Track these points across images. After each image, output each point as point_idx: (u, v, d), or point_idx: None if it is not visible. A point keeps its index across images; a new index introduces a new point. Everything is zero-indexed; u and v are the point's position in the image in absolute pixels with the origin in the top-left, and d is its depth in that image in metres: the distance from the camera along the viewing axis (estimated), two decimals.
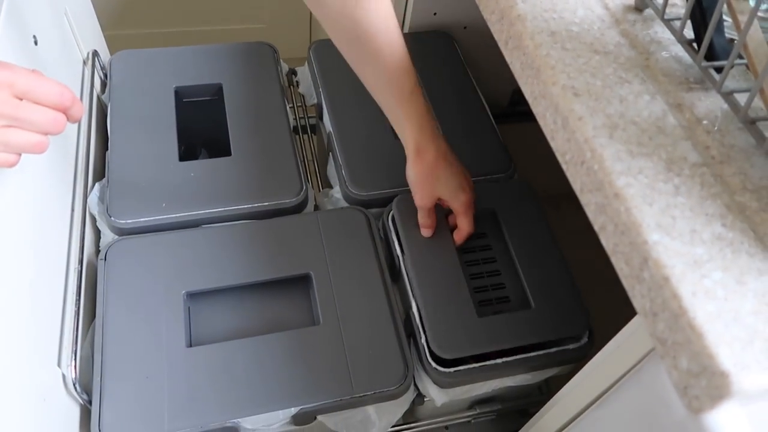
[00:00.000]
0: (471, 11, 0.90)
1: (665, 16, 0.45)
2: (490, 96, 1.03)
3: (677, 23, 0.46)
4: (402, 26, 0.90)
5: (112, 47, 1.31)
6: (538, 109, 0.45)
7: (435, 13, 0.89)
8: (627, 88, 0.43)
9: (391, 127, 0.73)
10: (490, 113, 0.78)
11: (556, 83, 0.43)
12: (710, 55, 0.43)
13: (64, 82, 0.65)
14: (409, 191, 0.68)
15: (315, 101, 0.79)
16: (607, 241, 0.38)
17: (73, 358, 0.52)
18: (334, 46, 0.83)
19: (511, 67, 0.49)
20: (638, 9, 0.49)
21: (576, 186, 0.41)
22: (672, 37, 0.47)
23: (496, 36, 0.51)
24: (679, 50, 0.46)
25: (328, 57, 0.84)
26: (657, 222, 0.36)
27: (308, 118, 0.87)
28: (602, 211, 0.38)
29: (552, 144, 0.44)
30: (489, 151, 0.75)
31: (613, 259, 0.38)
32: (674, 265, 0.34)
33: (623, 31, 0.47)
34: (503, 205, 0.67)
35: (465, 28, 0.91)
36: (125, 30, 1.35)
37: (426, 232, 0.63)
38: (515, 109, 1.10)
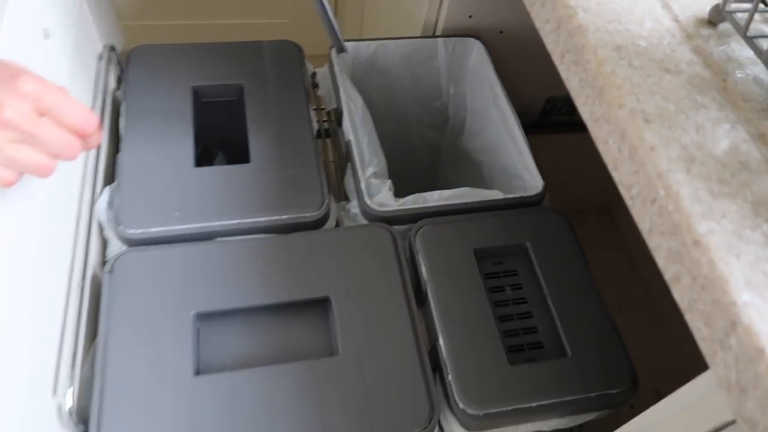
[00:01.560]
0: (508, 16, 0.84)
1: (748, 33, 0.40)
2: (522, 105, 0.98)
3: (761, 41, 0.40)
4: (435, 27, 0.85)
5: (131, 39, 1.28)
6: (598, 133, 0.40)
7: (470, 16, 0.83)
8: (703, 114, 0.38)
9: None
10: (520, 126, 0.72)
11: (623, 106, 0.37)
12: None
13: (77, 78, 0.61)
14: (435, 216, 0.63)
15: (334, 105, 0.75)
16: (680, 295, 0.33)
17: (71, 384, 0.48)
18: (358, 46, 0.79)
19: (566, 83, 0.44)
20: (712, 23, 0.44)
21: (643, 226, 0.36)
22: (750, 56, 0.41)
23: (550, 48, 0.45)
24: (760, 71, 0.41)
25: (351, 59, 0.79)
26: (746, 279, 0.30)
27: (331, 122, 0.83)
28: (677, 260, 0.33)
29: (614, 174, 0.39)
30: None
31: (688, 317, 0.33)
32: None
33: (696, 47, 0.42)
34: (536, 239, 0.62)
35: (501, 32, 0.86)
36: (144, 21, 1.31)
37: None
38: (548, 119, 1.04)
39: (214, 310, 0.55)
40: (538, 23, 0.47)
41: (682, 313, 0.33)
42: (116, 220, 0.58)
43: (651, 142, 0.35)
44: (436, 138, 0.92)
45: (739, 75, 0.40)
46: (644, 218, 0.36)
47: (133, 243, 0.58)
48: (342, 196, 0.72)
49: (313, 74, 0.79)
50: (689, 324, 0.33)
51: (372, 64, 0.81)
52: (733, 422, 0.35)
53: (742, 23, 0.40)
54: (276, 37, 1.32)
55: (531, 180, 0.69)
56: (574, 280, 0.61)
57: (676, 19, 0.43)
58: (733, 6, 0.42)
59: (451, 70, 0.84)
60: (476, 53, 0.82)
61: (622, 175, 0.37)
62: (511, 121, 0.73)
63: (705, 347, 0.32)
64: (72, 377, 0.48)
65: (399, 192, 0.66)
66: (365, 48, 0.79)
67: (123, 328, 0.53)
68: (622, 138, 0.37)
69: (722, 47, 0.42)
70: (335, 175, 0.78)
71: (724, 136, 0.37)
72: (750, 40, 0.40)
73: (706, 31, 0.43)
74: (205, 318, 0.55)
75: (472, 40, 0.82)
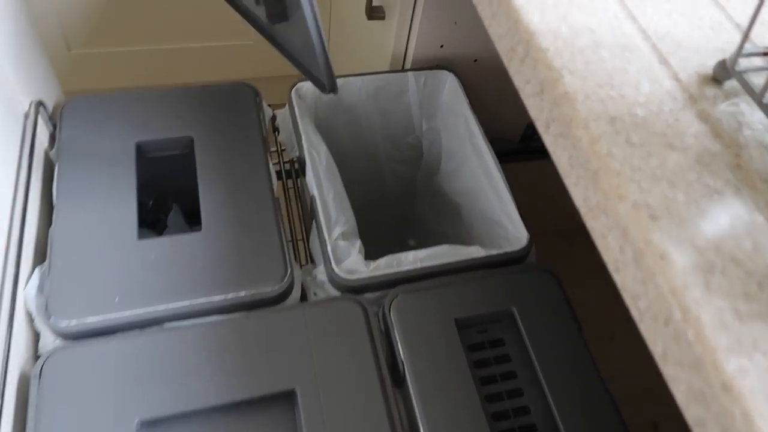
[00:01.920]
0: (482, 44, 0.78)
1: (765, 100, 0.34)
2: (501, 131, 0.92)
3: None
4: (404, 59, 0.79)
5: (82, 68, 1.19)
6: (594, 224, 0.34)
7: (441, 46, 0.77)
8: (718, 203, 0.32)
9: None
10: (499, 168, 0.66)
11: (623, 198, 0.31)
12: None
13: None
14: (410, 282, 0.57)
15: (296, 154, 0.68)
16: None
17: None
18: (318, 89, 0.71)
19: (552, 155, 0.37)
20: (717, 80, 0.38)
21: (655, 348, 0.30)
22: (764, 121, 0.36)
23: (532, 113, 0.39)
24: None
25: (313, 99, 0.73)
26: None
27: (294, 163, 0.76)
28: (701, 401, 0.27)
29: (616, 277, 0.33)
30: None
31: None
32: None
33: (702, 113, 0.36)
34: (522, 303, 0.56)
35: (475, 61, 0.80)
36: (97, 48, 1.23)
37: None
38: (528, 145, 0.99)
39: (162, 415, 0.48)
40: (518, 82, 0.41)
41: None
42: (46, 310, 0.51)
43: (660, 247, 0.29)
44: (409, 172, 0.86)
45: (757, 147, 0.35)
46: (656, 340, 0.30)
47: (67, 336, 0.51)
48: (308, 256, 0.65)
49: (273, 117, 0.72)
50: None
51: (337, 102, 0.74)
52: None
53: (755, 83, 0.35)
54: (238, 59, 1.24)
55: (514, 230, 0.63)
56: (567, 349, 0.55)
57: (676, 77, 0.37)
58: (743, 63, 0.36)
59: (423, 105, 0.78)
60: (449, 86, 0.75)
61: (626, 280, 0.31)
62: (489, 163, 0.67)
63: None
64: None
65: (375, 232, 0.59)
66: None
67: None
68: (625, 237, 0.31)
69: (731, 109, 0.36)
70: (301, 228, 0.72)
71: (746, 233, 0.31)
72: (767, 108, 0.34)
73: (711, 90, 0.37)
74: (151, 426, 0.48)
75: (445, 72, 0.75)
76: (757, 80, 0.35)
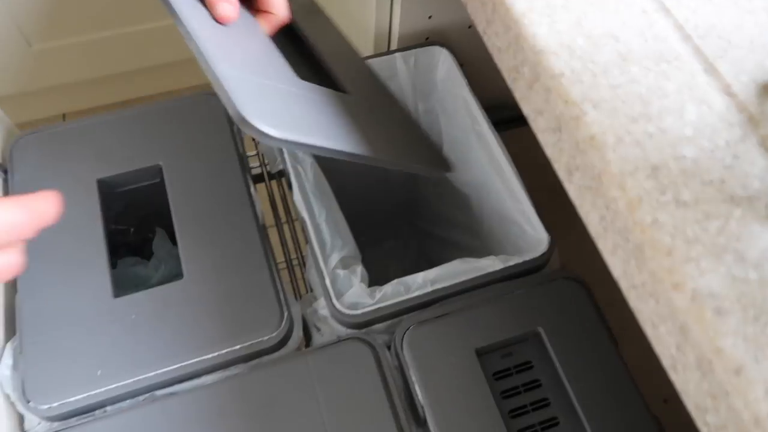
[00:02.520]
0: None
1: None
2: (502, 99, 0.83)
3: None
4: (389, 38, 0.69)
5: (42, 63, 1.10)
6: (641, 306, 0.27)
7: (430, 16, 0.67)
8: None
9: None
10: (510, 161, 0.58)
11: (680, 286, 0.24)
12: None
13: None
14: (421, 309, 0.51)
15: (280, 167, 0.61)
16: None
17: None
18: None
19: (579, 209, 0.30)
20: None
21: None
22: None
23: (548, 152, 0.32)
24: None
25: None
26: None
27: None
28: None
29: (672, 375, 0.26)
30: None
31: None
32: None
33: (766, 139, 0.28)
34: (549, 321, 0.50)
35: (470, 27, 0.70)
36: (57, 41, 1.13)
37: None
38: None
39: None
40: (527, 111, 0.33)
41: None
42: (23, 395, 0.46)
43: (734, 357, 0.23)
44: None
45: None
46: None
47: (51, 419, 0.47)
48: (306, 286, 0.60)
49: None
50: None
51: None
52: None
53: None
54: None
55: (532, 231, 0.56)
56: (602, 369, 0.49)
57: (728, 92, 0.30)
58: None
59: (417, 87, 0.69)
60: (443, 64, 0.67)
61: (688, 386, 0.25)
62: (498, 156, 0.59)
63: None
64: None
65: (379, 217, 0.52)
66: None
67: None
68: (684, 336, 0.24)
69: None
70: (293, 243, 0.65)
71: None
72: None
73: None
74: None
75: (437, 48, 0.66)
76: None
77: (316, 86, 0.45)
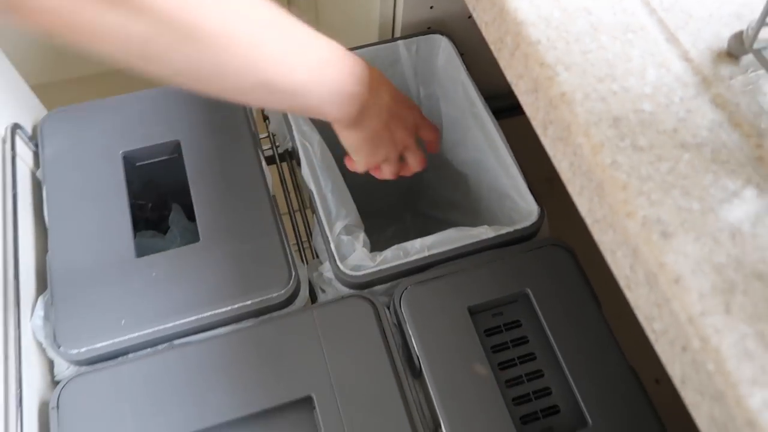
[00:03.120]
0: None
1: None
2: (504, 87, 0.88)
3: None
4: (393, 26, 0.74)
5: (65, 63, 1.15)
6: (602, 238, 0.31)
7: (431, 7, 0.72)
8: (738, 207, 0.29)
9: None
10: (504, 139, 0.63)
11: (632, 214, 0.29)
12: None
13: None
14: (419, 272, 0.55)
15: (289, 145, 0.65)
16: None
17: None
18: None
19: (553, 161, 0.35)
20: (732, 55, 0.34)
21: (673, 372, 0.28)
22: None
23: (528, 111, 0.36)
24: None
25: None
26: None
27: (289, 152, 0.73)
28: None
29: (628, 294, 0.30)
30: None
31: None
32: None
33: (717, 98, 0.32)
34: (537, 283, 0.54)
35: (469, 17, 0.74)
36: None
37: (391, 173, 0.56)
38: None
39: None
40: (510, 77, 0.37)
41: None
42: (54, 340, 0.51)
43: (675, 270, 0.27)
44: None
45: None
46: (674, 364, 0.28)
47: (79, 362, 0.51)
48: (313, 252, 0.64)
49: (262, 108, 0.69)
50: None
51: None
52: None
53: None
54: None
55: (524, 204, 0.60)
56: (585, 327, 0.53)
57: (686, 57, 0.34)
58: (762, 38, 0.32)
59: (419, 73, 0.74)
60: (443, 51, 0.71)
61: (639, 301, 0.29)
62: (493, 135, 0.64)
63: None
64: None
65: (383, 204, 0.57)
66: None
67: None
68: (635, 257, 0.29)
69: (750, 88, 0.33)
70: (301, 217, 0.70)
71: None
72: None
73: (727, 68, 0.33)
74: None
75: (438, 36, 0.71)
76: None
77: None
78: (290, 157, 0.72)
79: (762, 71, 0.33)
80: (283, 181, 0.72)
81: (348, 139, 0.51)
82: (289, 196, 0.71)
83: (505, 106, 0.70)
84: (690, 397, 0.27)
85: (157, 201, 0.74)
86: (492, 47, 0.39)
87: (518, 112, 0.74)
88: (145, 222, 0.76)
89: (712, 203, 0.29)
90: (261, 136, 0.70)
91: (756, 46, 0.32)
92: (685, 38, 0.34)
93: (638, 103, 0.32)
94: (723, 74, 0.33)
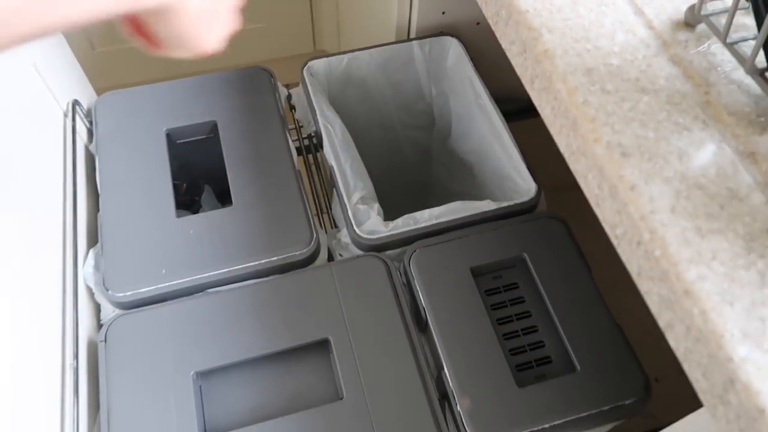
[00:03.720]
0: None
1: (728, 40, 0.37)
2: (510, 91, 0.95)
3: (744, 46, 0.37)
4: (408, 29, 0.82)
5: (102, 63, 1.25)
6: (577, 167, 0.38)
7: (443, 12, 0.80)
8: (686, 137, 0.35)
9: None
10: (506, 126, 0.70)
11: (598, 140, 0.35)
12: None
13: (40, 139, 0.59)
14: (427, 237, 0.62)
15: (313, 129, 0.72)
16: (676, 344, 0.31)
17: None
18: (330, 62, 0.76)
19: (539, 109, 0.41)
20: (689, 25, 0.41)
21: (631, 268, 0.34)
22: (733, 60, 0.39)
23: (518, 71, 0.43)
24: (744, 77, 0.38)
25: (324, 75, 0.77)
26: (742, 329, 0.29)
27: (312, 138, 0.80)
28: (669, 307, 0.31)
29: (597, 211, 0.37)
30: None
31: (686, 366, 0.31)
32: None
33: (674, 57, 0.39)
34: (533, 249, 0.60)
35: (478, 24, 0.82)
36: (116, 46, 1.28)
37: None
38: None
39: (214, 366, 0.54)
40: (504, 44, 0.44)
41: (680, 361, 0.32)
42: (103, 285, 0.58)
43: (631, 180, 0.33)
44: (424, 139, 0.90)
45: (726, 83, 0.38)
46: (631, 260, 0.34)
47: (123, 306, 0.58)
48: (332, 222, 0.71)
49: (288, 96, 0.77)
50: (687, 373, 0.31)
51: (347, 77, 0.78)
52: None
53: (721, 25, 0.38)
54: (254, 42, 1.29)
55: (524, 183, 0.66)
56: (576, 288, 0.59)
57: (650, 26, 0.41)
58: (710, 7, 0.39)
59: (431, 72, 0.81)
60: (453, 51, 0.79)
61: (605, 213, 0.35)
62: (496, 121, 0.71)
63: (705, 399, 0.30)
64: None
65: (395, 198, 0.63)
66: (337, 62, 0.77)
67: (123, 397, 0.52)
68: (601, 175, 0.35)
69: (702, 50, 0.40)
70: (323, 197, 0.77)
71: (710, 161, 0.34)
72: (731, 47, 0.37)
73: (683, 35, 0.40)
74: (205, 376, 0.55)
75: (449, 38, 0.79)
76: (724, 22, 0.38)
77: None
78: (314, 149, 0.79)
79: (713, 38, 0.40)
80: (307, 166, 0.79)
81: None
82: (313, 179, 0.78)
83: (510, 110, 0.77)
84: (644, 285, 0.33)
85: (191, 183, 0.81)
86: (490, 21, 0.46)
87: (521, 116, 0.81)
88: (177, 204, 0.83)
89: (664, 133, 0.35)
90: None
91: (704, 12, 0.38)
92: (650, 11, 0.41)
93: (607, 59, 0.39)
94: (680, 39, 0.40)
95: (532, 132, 0.73)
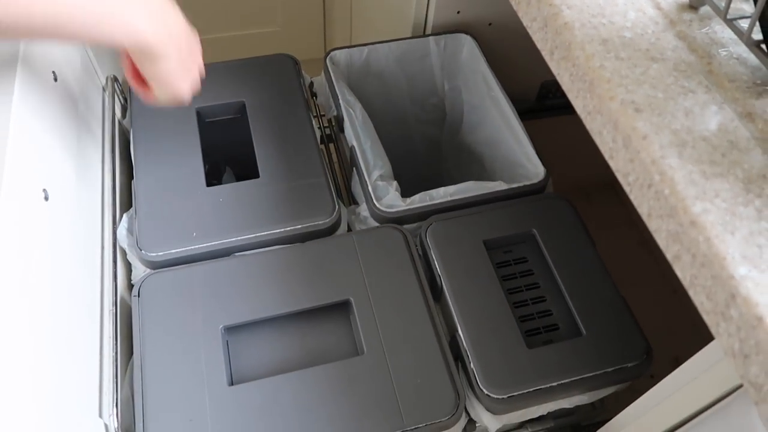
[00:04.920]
0: (496, 7, 0.86)
1: (728, 16, 0.42)
2: (518, 92, 0.99)
3: (741, 23, 0.42)
4: (425, 26, 0.87)
5: None
6: (593, 125, 0.42)
7: (458, 12, 0.85)
8: (691, 98, 0.40)
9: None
10: (516, 115, 0.74)
11: (613, 98, 0.39)
12: None
13: (84, 112, 0.63)
14: (442, 213, 0.65)
15: (334, 113, 0.76)
16: (683, 273, 0.35)
17: (115, 405, 0.50)
18: (351, 53, 0.80)
19: (558, 78, 0.46)
20: (693, 7, 0.45)
21: (642, 210, 0.38)
22: (733, 36, 0.43)
23: (539, 45, 0.47)
24: (743, 50, 0.42)
25: (345, 66, 0.81)
26: (742, 253, 0.32)
27: (332, 127, 0.84)
28: (677, 240, 0.35)
29: (611, 163, 0.41)
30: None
31: (691, 292, 0.35)
32: (767, 302, 0.31)
33: (680, 33, 0.44)
34: (542, 226, 0.64)
35: (490, 24, 0.87)
36: None
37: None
38: (544, 104, 1.06)
39: (241, 322, 0.57)
40: (526, 21, 0.49)
41: (686, 289, 0.35)
42: (137, 245, 0.61)
43: (643, 130, 0.37)
44: (435, 134, 0.94)
45: (726, 56, 0.42)
46: (642, 203, 0.38)
47: (155, 266, 0.61)
48: (350, 200, 0.74)
49: (311, 84, 0.81)
50: (693, 299, 0.35)
51: (366, 68, 0.83)
52: (741, 386, 0.37)
53: (722, 6, 0.42)
54: (267, 46, 1.34)
55: (533, 168, 0.71)
56: (583, 261, 0.63)
57: (658, 7, 0.45)
58: None
59: (445, 67, 0.86)
60: (467, 48, 0.83)
61: (618, 163, 0.39)
62: (507, 111, 0.75)
63: (709, 319, 0.34)
64: (114, 398, 0.51)
65: (405, 191, 0.68)
66: (358, 54, 0.81)
67: (156, 347, 0.55)
68: (616, 129, 0.39)
69: (705, 30, 0.44)
70: (342, 180, 0.81)
71: (713, 118, 0.38)
72: (730, 23, 0.42)
73: (688, 15, 0.45)
74: (233, 331, 0.58)
75: (463, 35, 0.83)
76: (724, 4, 0.43)
77: None
78: (335, 136, 0.83)
79: (715, 18, 0.44)
80: (327, 154, 0.83)
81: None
82: (333, 167, 0.82)
83: (524, 109, 0.81)
84: (654, 224, 0.37)
85: (213, 166, 0.85)
86: (513, 3, 0.50)
87: (526, 117, 0.85)
88: None
89: (672, 94, 0.39)
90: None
91: None
92: None
93: (621, 32, 0.43)
94: (685, 18, 0.45)
95: (532, 133, 0.77)
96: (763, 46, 0.40)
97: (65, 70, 0.58)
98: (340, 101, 0.74)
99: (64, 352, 0.45)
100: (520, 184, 0.68)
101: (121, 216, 0.64)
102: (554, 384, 0.55)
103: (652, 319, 0.72)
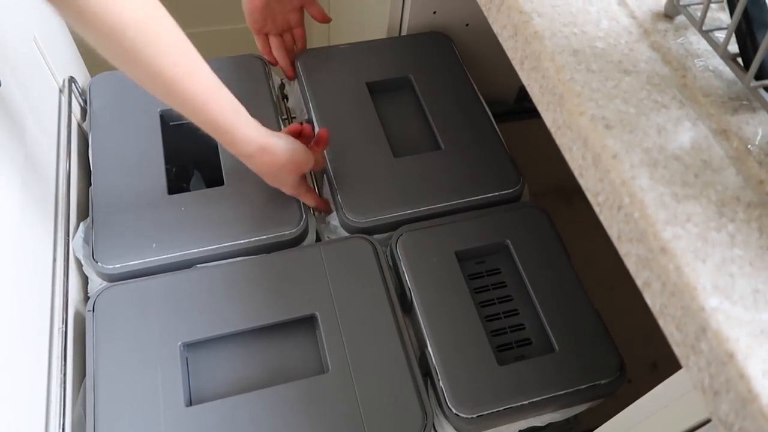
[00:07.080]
0: (474, 7, 0.83)
1: (704, 27, 0.40)
2: (496, 94, 0.98)
3: (718, 34, 0.40)
4: (399, 27, 0.84)
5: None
6: (562, 140, 0.40)
7: (435, 12, 0.83)
8: (664, 114, 0.38)
9: (390, 146, 0.68)
10: (493, 120, 0.72)
11: (583, 113, 0.37)
12: (760, 73, 0.37)
13: (39, 115, 0.60)
14: (414, 222, 0.63)
15: (306, 117, 0.74)
16: (652, 301, 0.34)
17: (61, 429, 0.48)
18: (324, 55, 0.78)
19: (528, 89, 0.44)
20: (668, 16, 0.44)
21: (612, 233, 0.36)
22: (708, 48, 0.41)
23: (509, 54, 0.45)
24: (720, 62, 0.41)
25: (318, 68, 0.79)
26: (713, 282, 0.31)
27: None
28: (646, 266, 0.33)
29: (580, 181, 0.39)
30: (494, 164, 0.70)
31: (661, 321, 0.33)
32: (738, 337, 0.29)
33: (654, 43, 0.42)
34: (516, 236, 0.62)
35: (467, 25, 0.85)
36: None
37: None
38: (522, 106, 1.04)
39: (201, 338, 0.55)
40: (496, 28, 0.47)
41: (656, 317, 0.34)
42: (92, 257, 0.58)
43: (613, 149, 0.36)
44: None
45: (701, 69, 0.40)
46: (612, 225, 0.36)
47: (112, 278, 0.58)
48: None
49: (282, 85, 0.78)
50: (662, 329, 0.33)
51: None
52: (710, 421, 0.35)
53: (698, 15, 0.40)
54: (241, 42, 1.30)
55: (508, 175, 0.69)
56: (557, 274, 0.61)
57: (632, 16, 0.43)
58: (687, 2, 0.42)
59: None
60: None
61: (588, 182, 0.38)
62: (483, 117, 0.73)
63: (678, 351, 0.32)
64: (60, 422, 0.48)
65: None
66: (326, 54, 0.78)
67: (110, 365, 0.52)
68: (585, 146, 0.37)
69: (680, 40, 0.42)
70: (314, 187, 0.78)
71: (686, 136, 0.37)
72: (706, 34, 0.40)
73: (663, 25, 0.43)
74: (192, 347, 0.55)
75: (438, 34, 0.81)
76: (700, 14, 0.41)
77: None
78: None
79: (690, 28, 0.43)
80: None
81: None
82: None
83: (502, 111, 0.79)
84: (624, 248, 0.35)
85: (181, 168, 0.82)
86: (483, 8, 0.48)
87: (503, 119, 0.83)
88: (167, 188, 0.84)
89: (644, 109, 0.38)
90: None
91: (683, 2, 0.41)
92: (632, 2, 0.44)
93: (593, 42, 0.41)
94: (660, 28, 0.43)
95: (511, 135, 0.76)
96: (740, 59, 0.39)
97: (15, 73, 0.55)
98: (311, 104, 0.72)
99: (2, 374, 0.42)
100: (495, 193, 0.66)
101: (77, 225, 0.61)
102: (525, 402, 0.53)
103: (632, 324, 0.71)
